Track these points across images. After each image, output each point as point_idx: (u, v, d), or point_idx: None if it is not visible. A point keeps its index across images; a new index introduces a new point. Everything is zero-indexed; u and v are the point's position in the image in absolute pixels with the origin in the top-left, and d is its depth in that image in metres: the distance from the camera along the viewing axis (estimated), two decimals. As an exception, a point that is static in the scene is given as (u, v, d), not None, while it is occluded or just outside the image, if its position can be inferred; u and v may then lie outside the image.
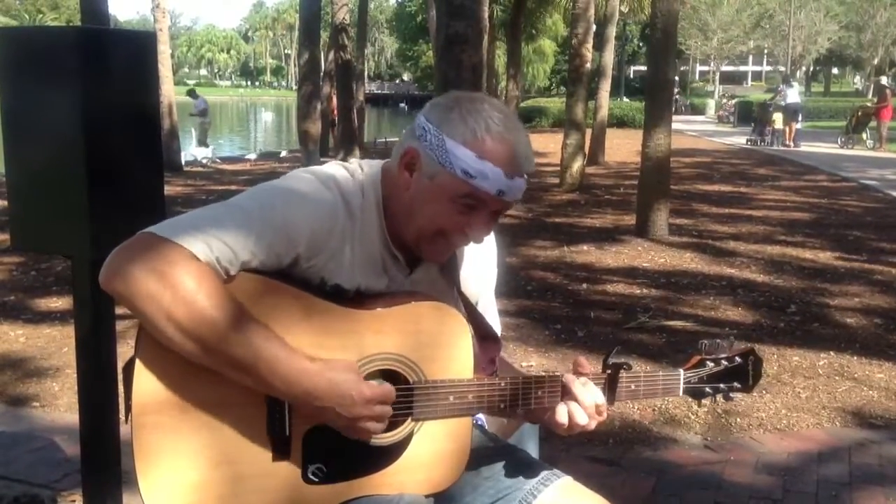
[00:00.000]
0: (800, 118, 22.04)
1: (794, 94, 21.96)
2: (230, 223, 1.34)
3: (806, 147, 20.93)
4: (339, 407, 1.34)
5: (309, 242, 1.39)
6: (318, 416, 1.37)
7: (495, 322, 1.76)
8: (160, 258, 1.28)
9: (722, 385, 1.62)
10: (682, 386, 1.60)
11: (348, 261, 1.44)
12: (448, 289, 1.60)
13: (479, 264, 1.68)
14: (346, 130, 18.32)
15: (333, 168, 1.50)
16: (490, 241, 1.69)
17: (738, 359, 1.63)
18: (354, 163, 1.53)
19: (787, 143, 21.46)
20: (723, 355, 1.63)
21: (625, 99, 38.39)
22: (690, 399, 1.64)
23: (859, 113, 21.38)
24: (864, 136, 21.13)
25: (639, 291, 6.19)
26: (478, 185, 1.39)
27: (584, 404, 1.48)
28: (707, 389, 1.62)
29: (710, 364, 1.62)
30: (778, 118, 21.87)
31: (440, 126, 1.41)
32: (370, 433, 1.39)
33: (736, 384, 1.63)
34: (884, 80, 24.76)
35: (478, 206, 1.42)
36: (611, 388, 1.53)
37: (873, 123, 20.78)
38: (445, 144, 1.40)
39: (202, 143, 20.68)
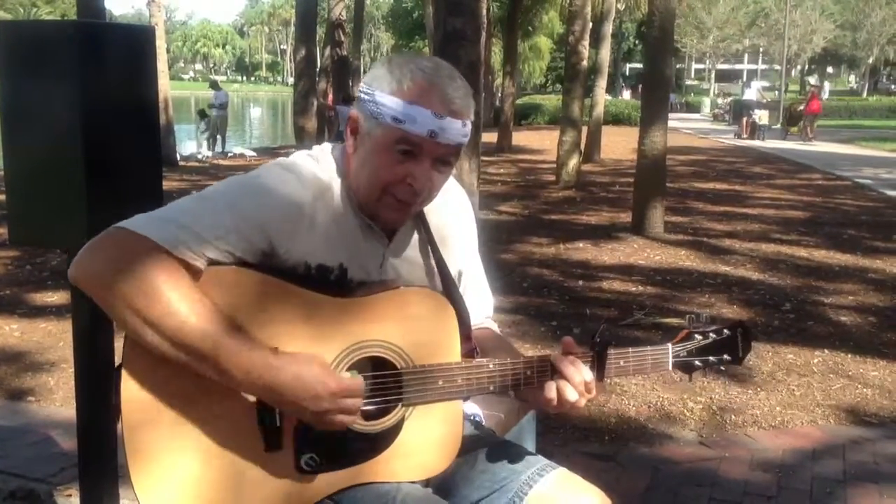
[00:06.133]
0: (753, 113, 24.60)
1: (750, 93, 25.02)
2: (196, 212, 1.37)
3: (756, 141, 23.22)
4: (304, 401, 1.33)
5: (280, 224, 1.41)
6: (286, 410, 1.36)
7: (483, 286, 1.76)
8: (126, 251, 1.30)
9: (711, 358, 1.61)
10: (671, 360, 1.60)
11: (325, 237, 1.46)
12: (426, 260, 1.60)
13: (458, 230, 1.68)
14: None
15: (296, 155, 1.54)
16: (464, 203, 1.71)
17: (726, 331, 1.62)
18: (316, 148, 1.56)
19: (743, 135, 24.02)
20: (711, 328, 1.62)
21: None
22: (681, 374, 1.63)
23: (791, 109, 24.89)
24: (797, 128, 24.08)
25: (634, 289, 6.20)
26: (407, 128, 1.41)
27: (573, 381, 1.48)
28: (697, 363, 1.61)
29: (699, 337, 1.61)
30: (764, 115, 24.60)
31: (371, 84, 1.45)
32: (341, 426, 1.37)
33: (726, 356, 1.62)
34: (812, 79, 27.55)
35: (416, 153, 1.43)
36: (599, 365, 1.53)
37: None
38: (376, 98, 1.43)
39: (222, 135, 20.60)
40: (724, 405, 3.89)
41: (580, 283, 6.40)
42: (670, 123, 9.40)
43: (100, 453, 2.27)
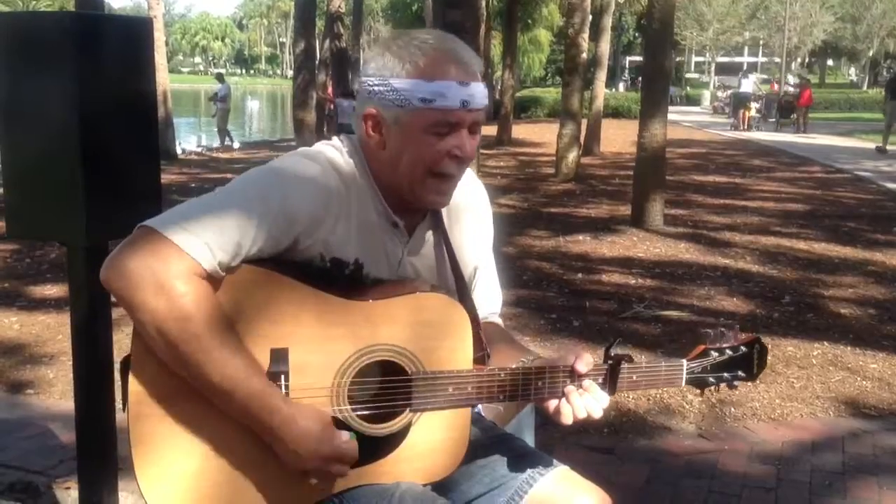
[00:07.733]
0: (750, 105, 25.63)
1: (746, 85, 25.82)
2: (230, 214, 1.34)
3: (754, 134, 23.80)
4: (296, 456, 1.36)
5: (307, 221, 1.40)
6: (279, 452, 1.37)
7: (494, 281, 1.76)
8: (163, 266, 1.28)
9: (725, 374, 1.60)
10: (684, 376, 1.59)
11: (346, 232, 1.45)
12: (441, 259, 1.59)
13: (474, 228, 1.67)
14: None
15: (320, 146, 1.52)
16: (483, 201, 1.70)
17: (743, 348, 1.60)
18: (336, 140, 1.54)
19: (742, 127, 24.60)
20: (727, 345, 1.60)
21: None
22: (692, 388, 1.62)
23: (782, 101, 26.36)
24: (790, 119, 25.49)
25: (634, 281, 6.20)
26: (439, 105, 1.40)
27: (586, 402, 1.48)
28: (710, 379, 1.60)
29: (715, 354, 1.59)
30: (753, 106, 25.88)
31: (381, 74, 1.43)
32: (323, 482, 1.40)
33: (740, 373, 1.61)
34: (800, 73, 28.56)
35: (452, 126, 1.43)
36: (611, 379, 1.52)
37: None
38: (394, 86, 1.41)
39: (223, 129, 20.57)
40: (724, 398, 3.89)
41: (580, 275, 6.40)
42: (670, 116, 9.39)
43: (99, 446, 2.27)
